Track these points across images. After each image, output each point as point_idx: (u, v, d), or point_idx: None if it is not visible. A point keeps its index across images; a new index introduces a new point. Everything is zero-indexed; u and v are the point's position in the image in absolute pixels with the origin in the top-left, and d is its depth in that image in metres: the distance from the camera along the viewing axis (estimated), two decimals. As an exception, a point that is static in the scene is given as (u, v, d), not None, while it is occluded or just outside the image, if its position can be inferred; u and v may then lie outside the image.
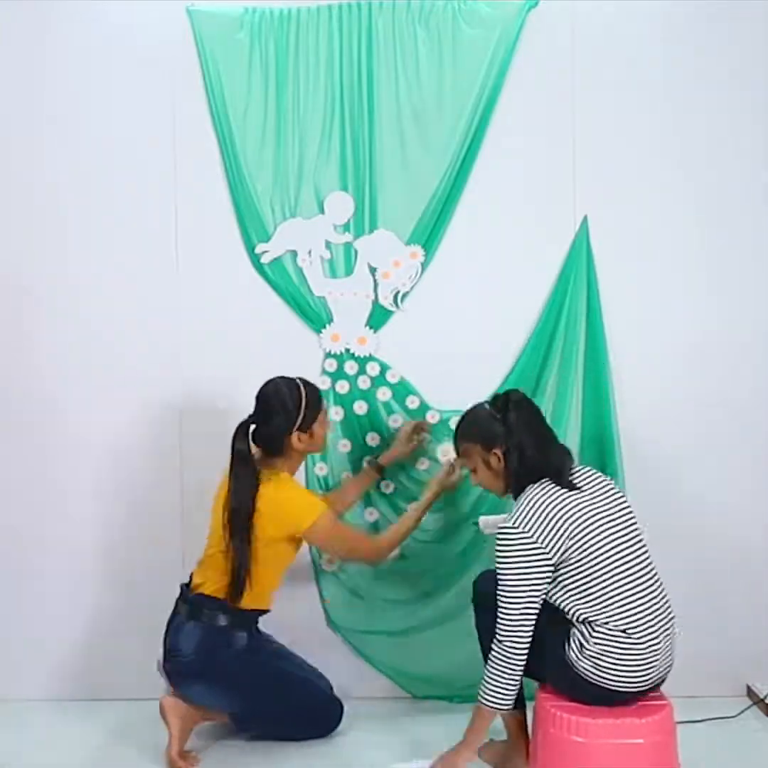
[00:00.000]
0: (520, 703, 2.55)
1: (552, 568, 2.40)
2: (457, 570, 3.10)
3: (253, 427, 2.77)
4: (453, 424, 3.07)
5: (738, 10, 3.06)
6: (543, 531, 2.39)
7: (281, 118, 3.10)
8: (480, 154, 3.07)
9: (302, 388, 2.77)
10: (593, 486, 2.48)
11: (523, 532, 2.39)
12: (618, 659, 2.36)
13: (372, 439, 3.10)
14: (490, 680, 2.42)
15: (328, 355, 3.13)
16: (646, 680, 2.39)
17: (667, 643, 2.43)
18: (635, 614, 2.38)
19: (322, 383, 3.11)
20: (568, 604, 2.42)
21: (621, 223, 3.08)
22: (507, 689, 2.41)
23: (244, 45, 3.09)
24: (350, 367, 3.12)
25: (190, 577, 2.84)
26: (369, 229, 3.11)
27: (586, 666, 2.37)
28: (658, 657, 2.39)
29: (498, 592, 2.42)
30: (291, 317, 3.14)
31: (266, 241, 3.12)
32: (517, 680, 2.42)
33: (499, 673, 2.41)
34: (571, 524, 2.39)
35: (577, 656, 2.39)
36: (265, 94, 3.10)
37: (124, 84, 3.13)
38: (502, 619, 2.40)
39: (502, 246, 3.10)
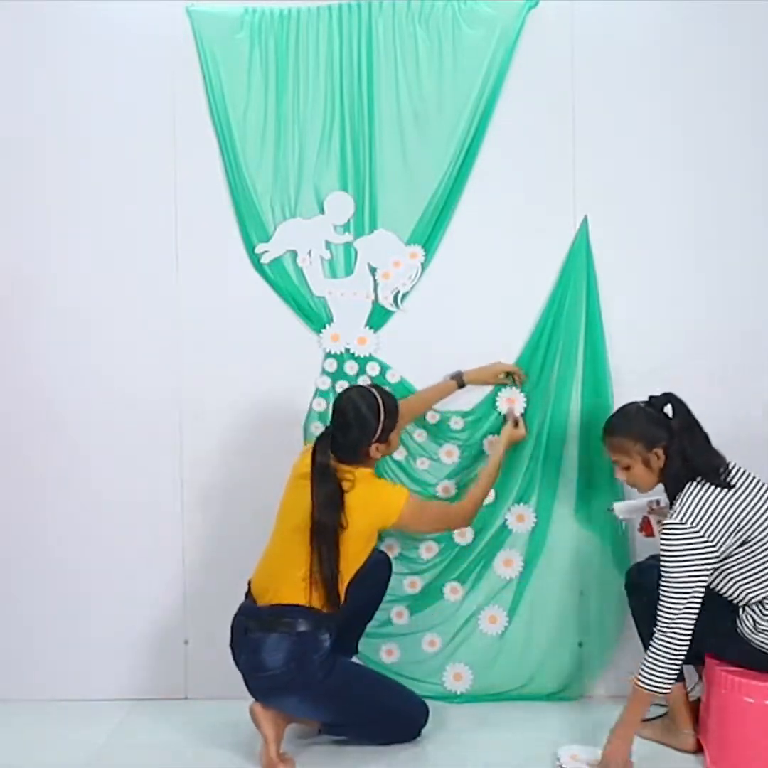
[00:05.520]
0: (681, 674, 2.66)
1: (716, 562, 2.54)
2: (455, 571, 3.11)
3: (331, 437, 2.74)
4: (453, 423, 3.09)
5: (737, 10, 3.06)
6: (710, 527, 2.51)
7: (281, 118, 3.10)
8: (480, 155, 3.08)
9: (379, 398, 2.74)
10: (746, 483, 2.59)
11: (692, 529, 2.51)
12: None
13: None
14: (651, 666, 2.52)
15: (328, 355, 3.13)
16: None
17: None
18: None
19: (322, 383, 3.11)
20: (735, 590, 2.57)
21: (621, 223, 3.08)
22: (668, 675, 2.51)
23: (244, 45, 3.09)
24: (350, 367, 3.12)
25: (248, 589, 2.78)
26: (369, 229, 3.11)
27: (762, 639, 2.55)
28: None
29: (662, 585, 2.53)
30: (291, 317, 3.14)
31: (266, 241, 3.12)
32: (678, 667, 2.52)
33: (661, 659, 2.51)
34: (735, 520, 2.53)
35: (751, 630, 2.55)
36: (265, 94, 3.10)
37: (124, 84, 3.13)
38: (665, 610, 2.52)
39: (502, 246, 3.11)
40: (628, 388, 3.05)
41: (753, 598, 2.56)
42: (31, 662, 3.19)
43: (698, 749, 2.69)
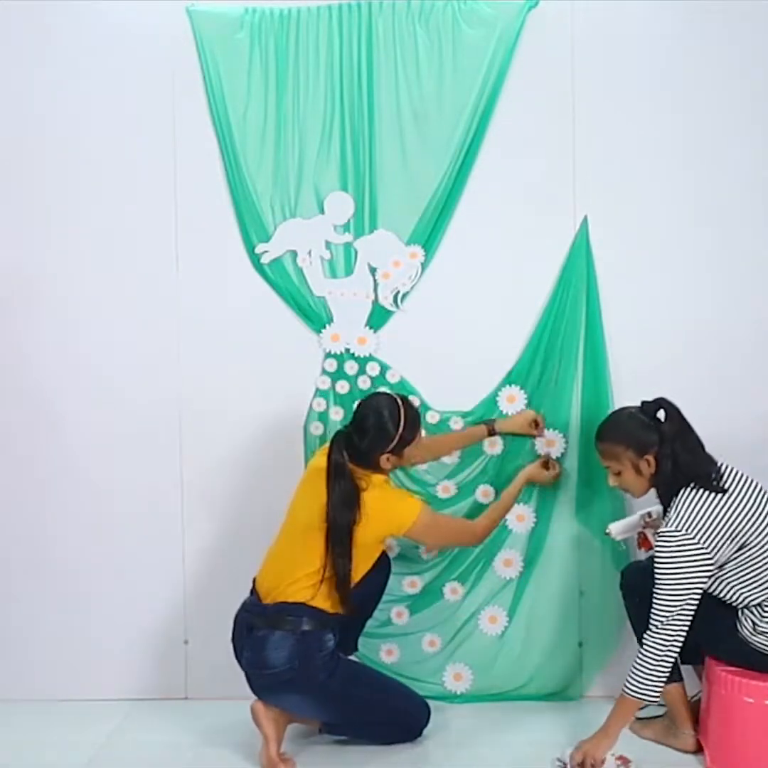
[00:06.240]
0: (680, 674, 2.72)
1: (712, 569, 2.52)
2: (455, 571, 3.11)
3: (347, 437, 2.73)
4: (453, 424, 3.09)
5: (737, 10, 3.06)
6: (706, 534, 2.50)
7: (281, 118, 3.10)
8: (480, 154, 3.08)
9: (403, 410, 2.72)
10: (741, 486, 2.57)
11: (686, 535, 2.50)
12: None
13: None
14: (640, 672, 2.52)
15: (328, 355, 3.13)
16: None
17: None
18: None
19: (322, 383, 3.11)
20: (734, 595, 2.57)
21: (621, 223, 3.08)
22: (656, 681, 2.51)
23: (244, 45, 3.09)
24: (350, 367, 3.12)
25: (253, 587, 2.78)
26: (369, 229, 3.11)
27: (761, 641, 2.54)
28: None
29: (656, 592, 2.52)
30: (291, 317, 3.14)
31: (266, 241, 3.12)
32: (666, 674, 2.52)
33: (651, 666, 2.51)
34: (731, 525, 2.51)
35: (751, 632, 2.55)
36: (265, 94, 3.10)
37: (124, 84, 3.13)
38: (658, 616, 2.51)
39: (502, 246, 3.11)
40: (628, 389, 3.05)
41: (751, 601, 2.56)
42: (31, 662, 3.19)
43: (698, 749, 2.69)
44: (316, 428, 3.11)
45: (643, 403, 2.68)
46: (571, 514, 3.08)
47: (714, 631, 2.58)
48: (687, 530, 2.50)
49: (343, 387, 3.11)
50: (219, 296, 3.15)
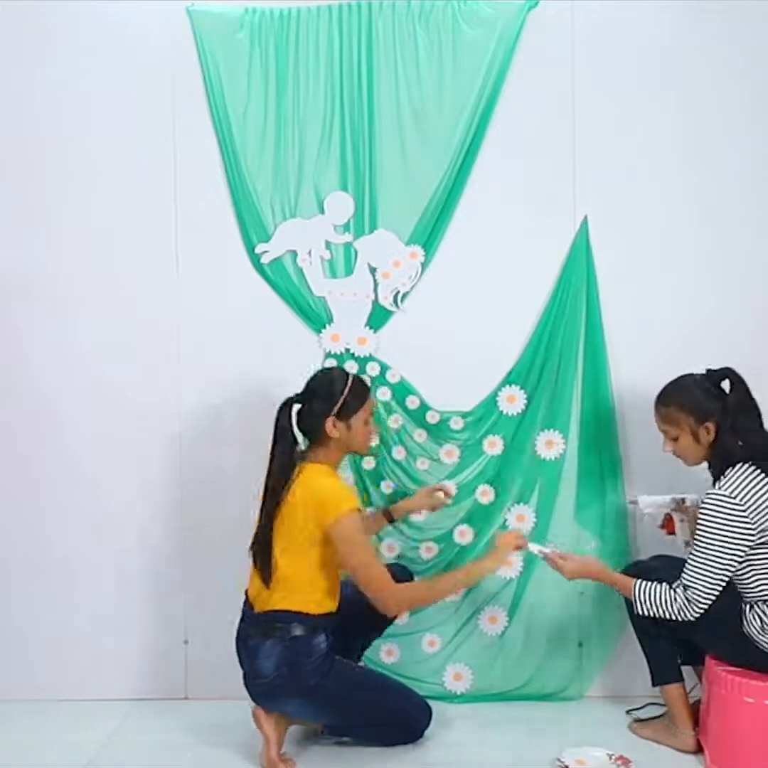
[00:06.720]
0: (680, 674, 2.74)
1: (750, 545, 2.49)
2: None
3: (297, 407, 2.73)
4: (453, 423, 3.09)
5: (738, 10, 3.06)
6: (753, 507, 2.48)
7: (281, 118, 3.10)
8: (480, 154, 3.08)
9: (350, 378, 2.75)
10: None
11: (735, 502, 2.48)
12: None
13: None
14: (654, 599, 2.56)
15: (328, 355, 3.13)
16: None
17: None
18: None
19: (322, 383, 3.12)
20: (753, 583, 2.54)
21: (621, 223, 3.08)
22: (650, 608, 2.56)
23: (244, 45, 3.09)
24: (350, 367, 3.11)
25: (246, 596, 2.76)
26: (369, 229, 3.11)
27: (767, 640, 2.53)
28: None
29: (692, 555, 2.52)
30: (291, 317, 3.14)
31: (266, 241, 3.12)
32: (663, 616, 2.56)
33: (664, 608, 2.54)
34: None
35: (758, 631, 2.53)
36: (265, 94, 3.10)
37: (124, 84, 3.13)
38: (693, 577, 2.51)
39: (502, 246, 3.11)
40: (628, 388, 3.06)
41: (766, 596, 2.54)
42: (30, 662, 3.19)
43: (698, 749, 2.69)
44: (316, 428, 3.11)
45: (709, 370, 2.64)
46: (571, 514, 3.08)
47: (718, 629, 2.56)
48: (739, 497, 2.47)
49: (343, 387, 3.11)
50: (219, 296, 3.15)
